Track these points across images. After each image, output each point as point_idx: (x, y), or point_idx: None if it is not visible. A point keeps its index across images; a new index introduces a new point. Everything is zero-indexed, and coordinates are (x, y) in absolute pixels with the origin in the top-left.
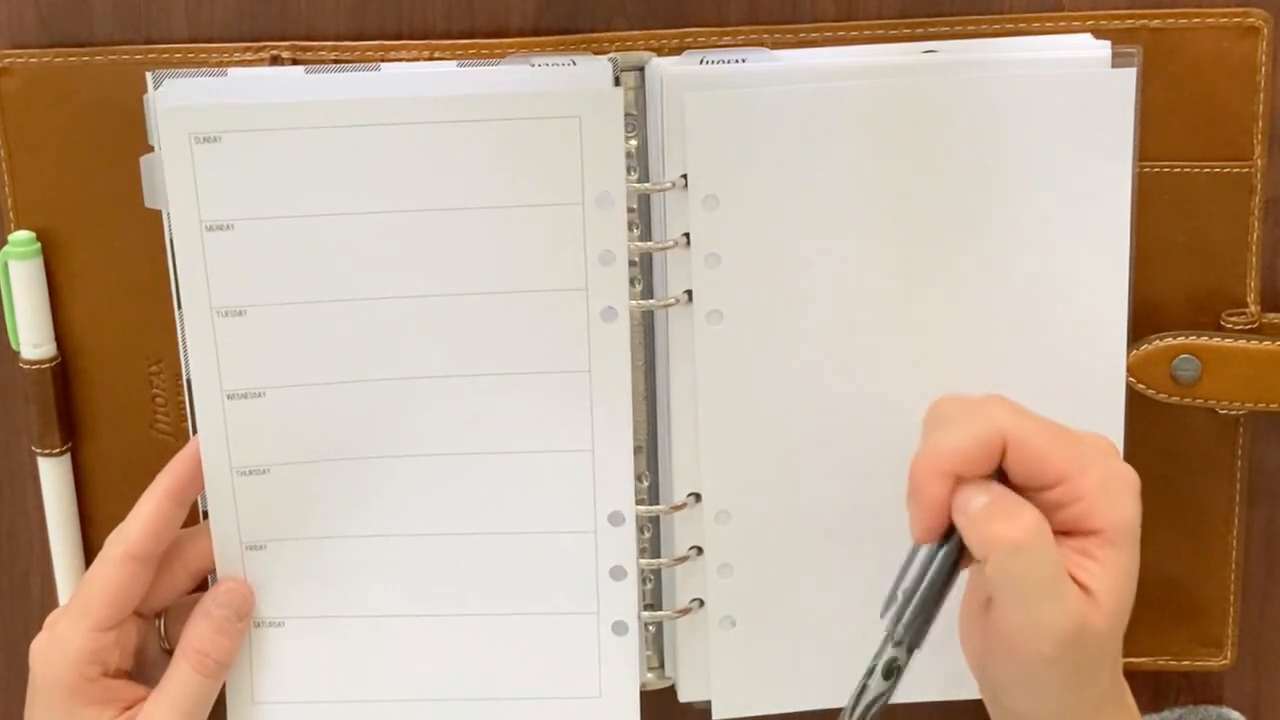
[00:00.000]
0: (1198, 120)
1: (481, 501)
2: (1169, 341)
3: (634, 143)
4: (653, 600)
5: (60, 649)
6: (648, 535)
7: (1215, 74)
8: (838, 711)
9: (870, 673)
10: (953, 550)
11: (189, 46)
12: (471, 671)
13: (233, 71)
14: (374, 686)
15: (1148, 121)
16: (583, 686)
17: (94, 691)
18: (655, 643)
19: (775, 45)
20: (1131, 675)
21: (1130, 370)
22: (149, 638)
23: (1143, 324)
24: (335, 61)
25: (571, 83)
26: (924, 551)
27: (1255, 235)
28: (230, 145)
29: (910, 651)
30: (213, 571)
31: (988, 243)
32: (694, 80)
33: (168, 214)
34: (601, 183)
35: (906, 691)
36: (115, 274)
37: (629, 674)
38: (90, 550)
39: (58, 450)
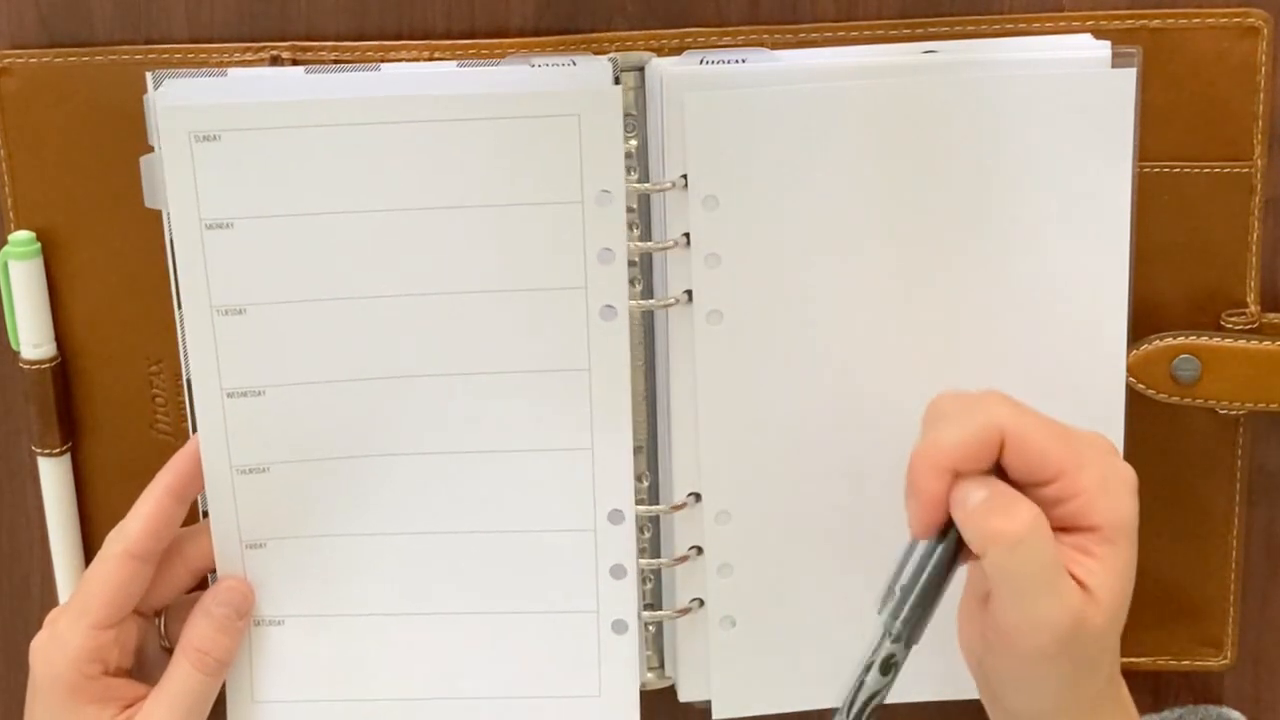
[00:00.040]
0: (1198, 120)
1: (481, 500)
2: (1169, 341)
3: (634, 143)
4: (653, 600)
5: (60, 647)
6: (648, 535)
7: (1215, 74)
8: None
9: (867, 668)
10: (950, 546)
11: (189, 46)
12: (471, 670)
13: (233, 71)
14: (373, 685)
15: (1148, 121)
16: (582, 685)
17: (94, 690)
18: (655, 642)
19: (775, 45)
20: (1131, 675)
21: (1130, 370)
22: (149, 636)
23: (1143, 324)
24: (335, 61)
25: (571, 83)
26: (921, 547)
27: (1255, 235)
28: (230, 144)
29: (908, 647)
30: (213, 570)
31: (987, 243)
32: (694, 80)
33: (167, 214)
34: (601, 181)
35: (905, 691)
36: (115, 274)
37: (629, 673)
38: (90, 550)
39: (58, 450)
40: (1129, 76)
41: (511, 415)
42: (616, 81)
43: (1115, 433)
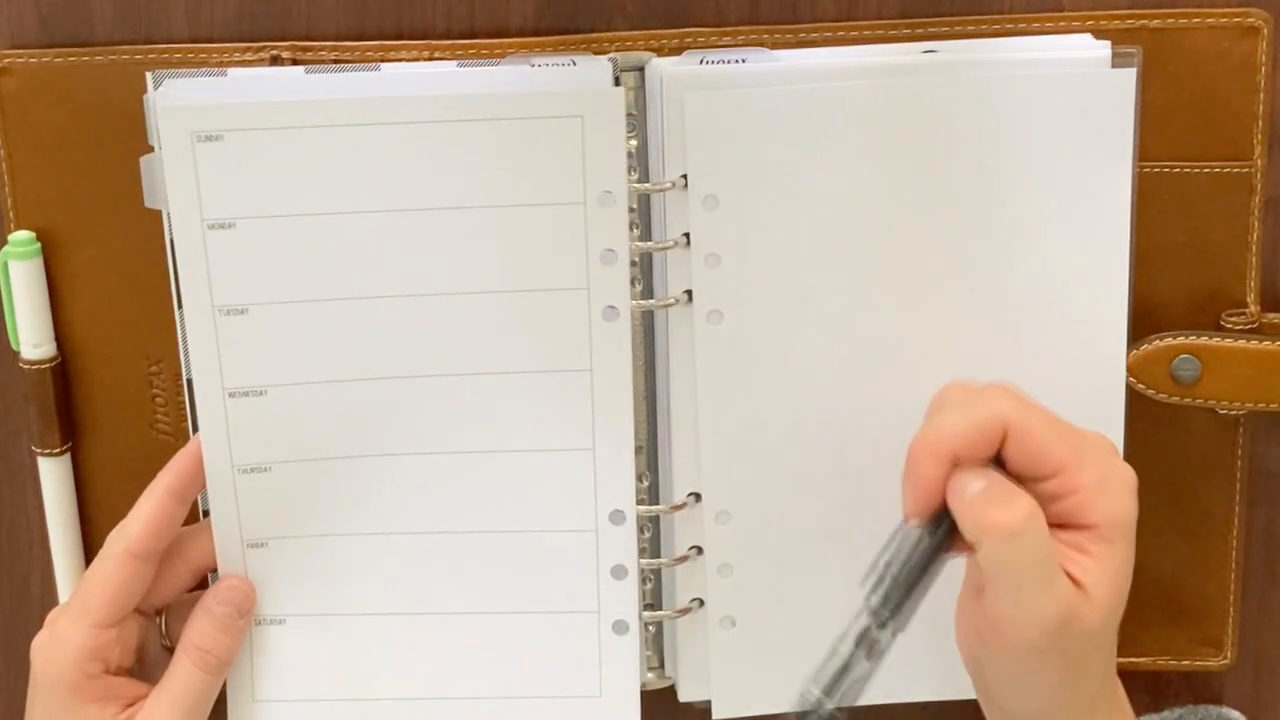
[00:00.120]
0: (1198, 120)
1: (483, 500)
2: (1169, 341)
3: (634, 143)
4: (653, 600)
5: (61, 646)
6: (648, 535)
7: (1215, 74)
8: (837, 712)
9: (844, 638)
10: (941, 533)
11: (189, 46)
12: (472, 670)
13: (233, 71)
14: (374, 684)
15: (1148, 121)
16: (583, 685)
17: (95, 689)
18: (655, 642)
19: (775, 45)
20: (1131, 675)
21: (1130, 370)
22: (150, 635)
23: (1143, 324)
24: (335, 61)
25: (571, 83)
26: (912, 531)
27: (1255, 235)
28: (233, 144)
29: (893, 633)
30: (213, 569)
31: (987, 243)
32: (694, 80)
33: (167, 214)
34: (603, 182)
35: (905, 691)
36: (115, 274)
37: (629, 673)
38: (90, 550)
39: (58, 450)
40: (1129, 76)
41: (513, 415)
42: (617, 82)
43: (1115, 433)
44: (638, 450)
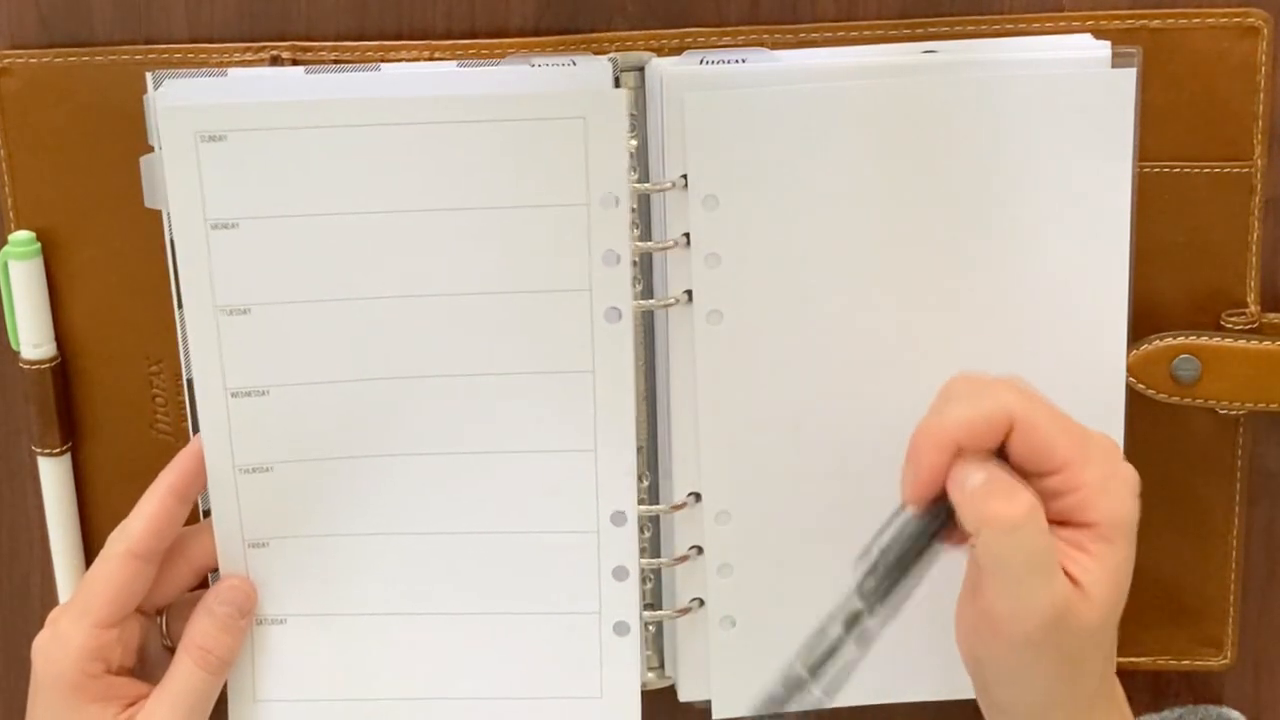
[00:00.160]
0: (1198, 120)
1: (484, 501)
2: (1169, 341)
3: (634, 143)
4: (653, 600)
5: (62, 646)
6: (648, 535)
7: (1215, 74)
8: (838, 711)
9: (832, 620)
10: (937, 520)
11: (189, 46)
12: (473, 670)
13: (233, 71)
14: (375, 685)
15: (1148, 121)
16: (584, 687)
17: (96, 688)
18: (655, 642)
19: (775, 45)
20: (1131, 675)
21: (1130, 370)
22: (151, 635)
23: (1143, 324)
24: (335, 61)
25: (572, 83)
26: (908, 516)
27: (1255, 235)
28: (235, 144)
29: (883, 621)
30: (215, 569)
31: (987, 243)
32: (694, 80)
33: (168, 213)
34: (606, 184)
35: (905, 691)
36: (115, 274)
37: (630, 674)
38: (90, 550)
39: (58, 450)
40: (1129, 76)
41: (515, 416)
42: (617, 83)
43: (1115, 433)
44: (638, 450)
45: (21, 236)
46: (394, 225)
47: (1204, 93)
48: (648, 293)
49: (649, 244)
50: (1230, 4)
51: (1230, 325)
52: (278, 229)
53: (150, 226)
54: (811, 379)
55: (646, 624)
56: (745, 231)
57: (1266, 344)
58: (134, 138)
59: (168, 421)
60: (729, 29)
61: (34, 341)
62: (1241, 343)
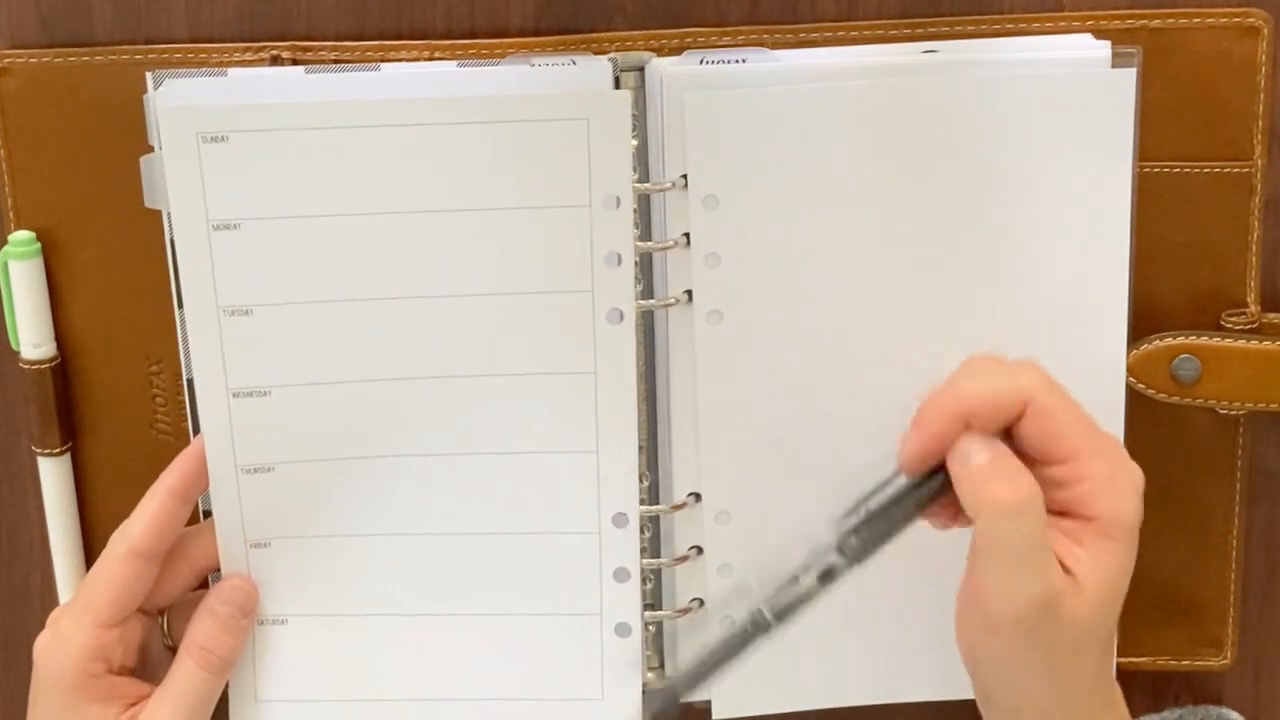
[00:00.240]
0: (1198, 120)
1: (486, 502)
2: (1169, 341)
3: (634, 143)
4: (653, 600)
5: (64, 646)
6: (648, 535)
7: (1215, 74)
8: (838, 712)
9: (806, 570)
10: (931, 490)
11: (189, 46)
12: (474, 671)
13: (233, 71)
14: (377, 685)
15: (1148, 121)
16: (585, 688)
17: (98, 688)
18: (655, 643)
19: (775, 45)
20: (1131, 675)
21: (1130, 370)
22: (152, 635)
23: (1143, 324)
24: (335, 61)
25: (572, 83)
26: (902, 483)
27: (1255, 235)
28: (237, 145)
29: (854, 570)
30: (216, 569)
31: (987, 243)
32: (694, 80)
33: (168, 214)
34: (608, 185)
35: (905, 691)
36: (115, 274)
37: (631, 675)
38: (90, 550)
39: (58, 450)
40: (1129, 76)
41: (516, 417)
42: (617, 83)
43: (1115, 433)
44: (638, 450)
45: (21, 236)
46: (396, 226)
47: (1204, 93)
48: (648, 293)
49: (649, 244)
50: (1230, 4)
51: (1230, 325)
52: (279, 230)
53: (150, 226)
54: (811, 379)
55: (646, 624)
56: (745, 231)
57: (1266, 344)
58: (134, 138)
59: (168, 421)
60: (729, 29)
61: (34, 341)
62: (1241, 343)
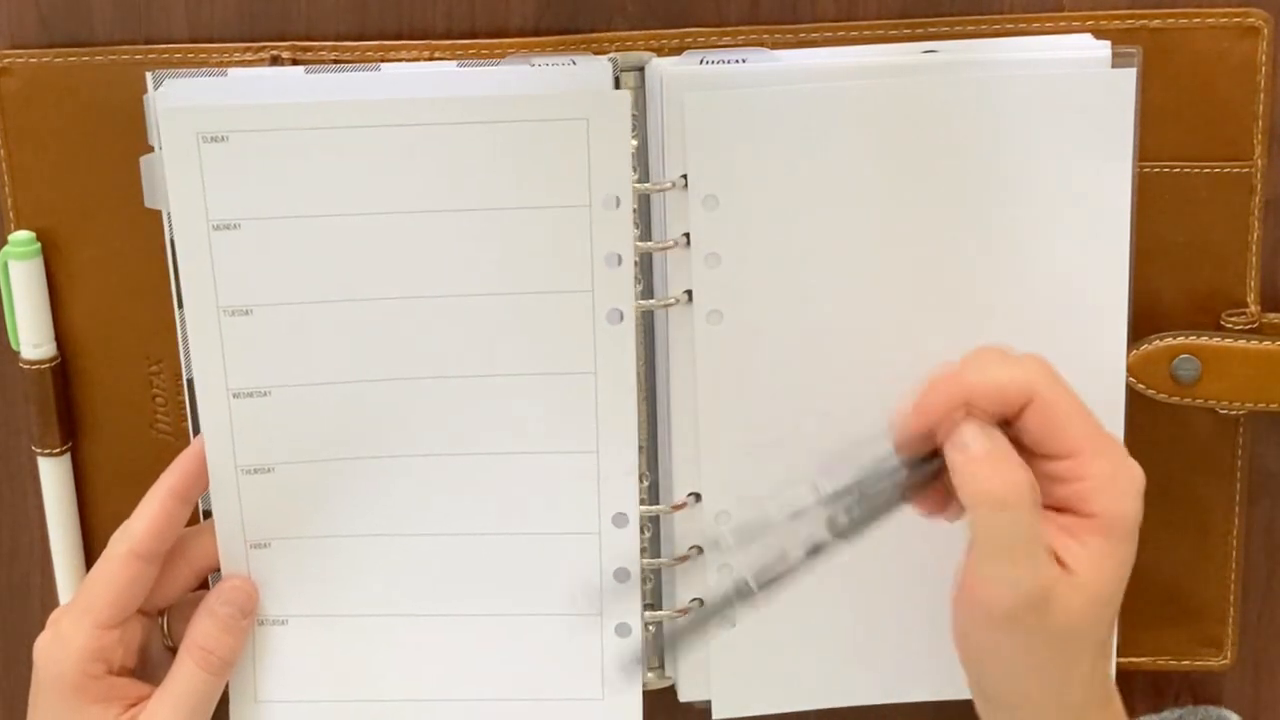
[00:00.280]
0: (1198, 120)
1: (486, 502)
2: (1169, 341)
3: (634, 143)
4: (653, 600)
5: (64, 646)
6: (648, 535)
7: (1215, 74)
8: (838, 712)
9: (795, 545)
10: (924, 474)
11: (189, 46)
12: (474, 672)
13: (233, 71)
14: (377, 686)
15: (1148, 121)
16: (585, 688)
17: (98, 689)
18: (655, 642)
19: (775, 45)
20: (1131, 675)
21: (1130, 370)
22: (153, 636)
23: (1143, 324)
24: (335, 61)
25: (572, 83)
26: (896, 465)
27: (1255, 235)
28: (237, 145)
29: (843, 546)
30: (216, 570)
31: (987, 243)
32: (694, 80)
33: (168, 214)
34: (608, 185)
35: (904, 691)
36: (115, 274)
37: (631, 676)
38: (90, 550)
39: (58, 450)
40: (1129, 76)
41: (517, 418)
42: (617, 83)
43: (1115, 433)
44: (638, 450)
45: (21, 236)
46: (396, 226)
47: (1204, 93)
48: (648, 293)
49: (649, 244)
50: (1230, 4)
51: (1230, 325)
52: (279, 230)
53: (150, 226)
54: (811, 379)
55: (647, 624)
56: (745, 231)
57: (1266, 344)
58: (134, 138)
59: (168, 421)
60: (729, 29)
61: (34, 341)
62: (1241, 343)
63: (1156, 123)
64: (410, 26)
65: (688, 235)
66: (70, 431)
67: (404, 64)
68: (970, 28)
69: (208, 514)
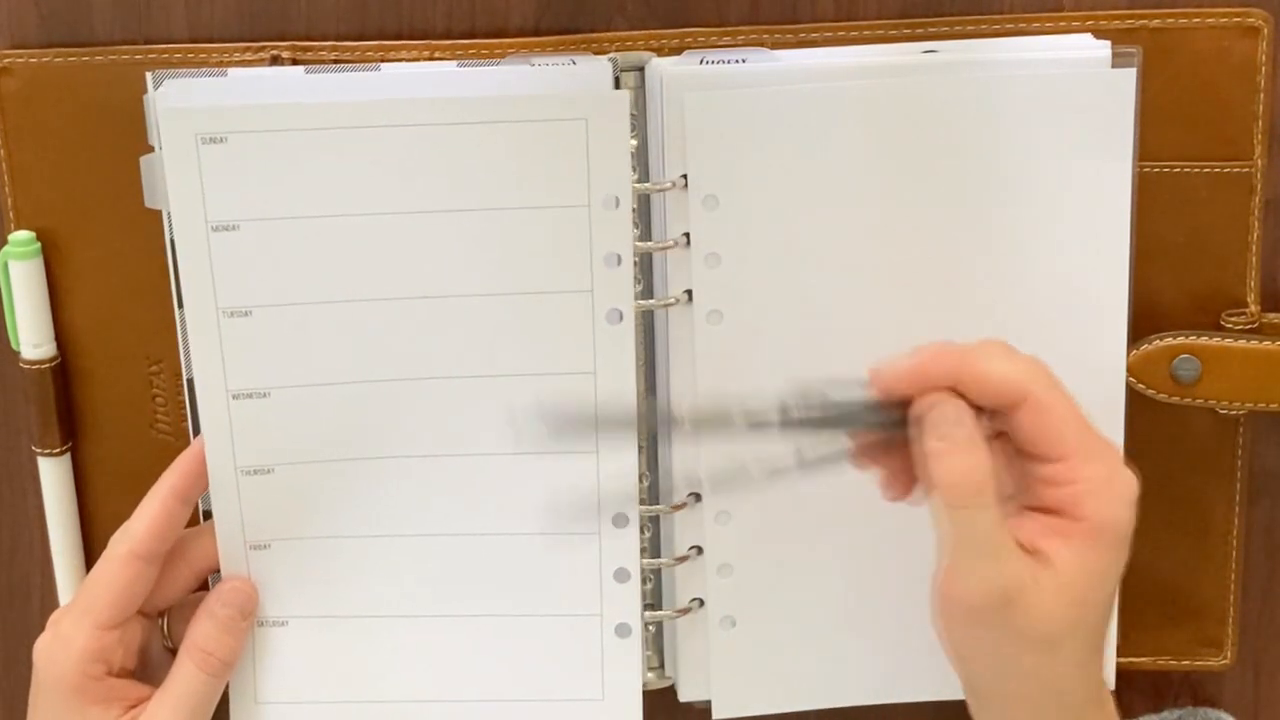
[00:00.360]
0: (1198, 120)
1: (485, 502)
2: (1169, 341)
3: (634, 143)
4: (653, 600)
5: (64, 647)
6: (648, 535)
7: (1215, 74)
8: (838, 712)
9: (757, 460)
10: (885, 419)
11: (189, 46)
12: (474, 673)
13: (233, 71)
14: (377, 687)
15: (1148, 121)
16: (585, 689)
17: (98, 690)
18: (655, 643)
19: (775, 45)
20: (1131, 675)
21: (1130, 370)
22: (152, 637)
23: (1143, 324)
24: (335, 61)
25: (572, 83)
26: (865, 397)
27: (1255, 235)
28: (236, 146)
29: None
30: (216, 571)
31: (988, 243)
32: (694, 80)
33: (168, 214)
34: (607, 185)
35: (903, 692)
36: (115, 274)
37: (631, 676)
38: (90, 550)
39: (58, 450)
40: (1129, 76)
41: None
42: (617, 83)
43: (1115, 433)
44: (638, 450)
45: (21, 236)
46: (395, 227)
47: (1204, 93)
48: (648, 293)
49: (649, 244)
50: (1230, 4)
51: (1230, 325)
52: (279, 231)
53: (150, 226)
54: (811, 379)
55: (646, 624)
56: (745, 231)
57: (1266, 344)
58: (134, 138)
59: (168, 421)
60: (729, 29)
61: (34, 341)
62: (1241, 343)
63: (1156, 123)
64: (410, 26)
65: (688, 235)
66: (70, 431)
67: (404, 64)
68: (970, 28)
69: (208, 515)
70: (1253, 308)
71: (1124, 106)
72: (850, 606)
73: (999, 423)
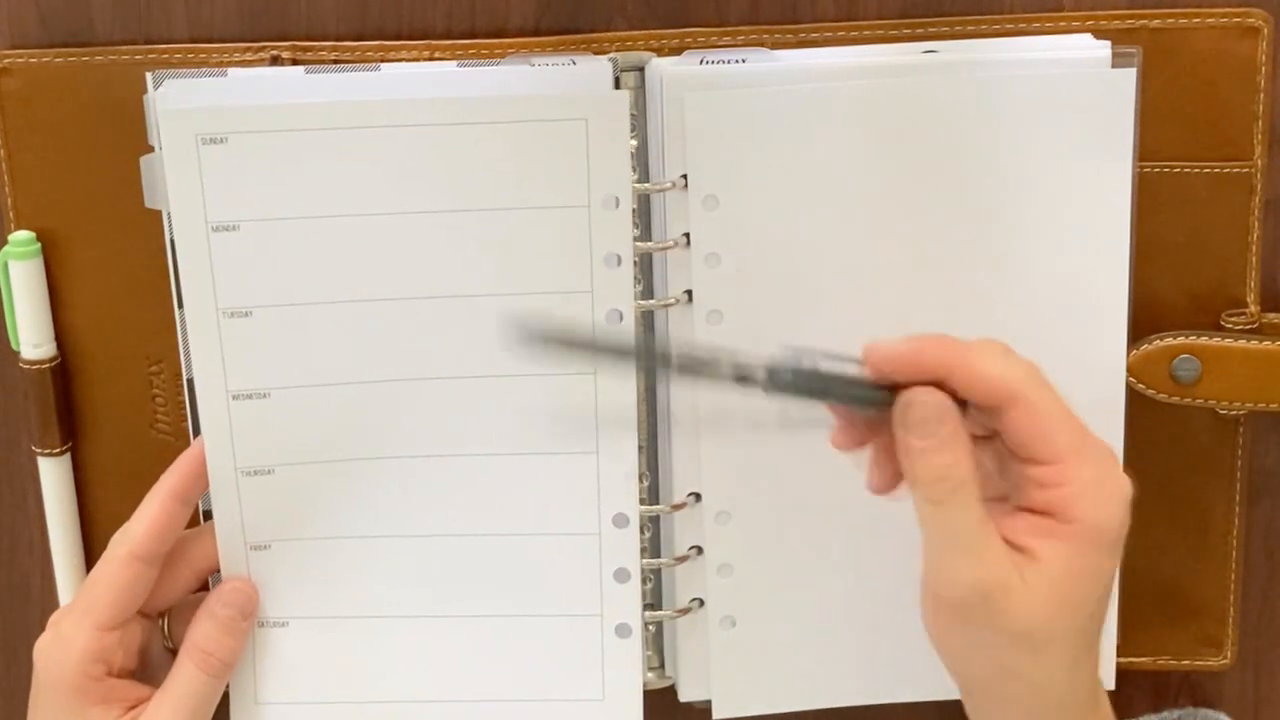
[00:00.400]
0: (1198, 120)
1: (486, 503)
2: (1169, 341)
3: (634, 143)
4: (653, 600)
5: (64, 648)
6: (648, 535)
7: (1215, 74)
8: (837, 712)
9: (730, 363)
10: (872, 396)
11: (189, 46)
12: (474, 673)
13: (233, 72)
14: (378, 687)
15: (1148, 121)
16: (586, 689)
17: (98, 691)
18: (655, 643)
19: (775, 45)
20: (1131, 675)
21: (1130, 370)
22: (153, 638)
23: (1143, 324)
24: (335, 62)
25: (572, 83)
26: (856, 370)
27: (1255, 235)
28: (236, 146)
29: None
30: (216, 571)
31: (987, 243)
32: (694, 80)
33: (168, 214)
34: (607, 185)
35: (901, 692)
36: (115, 274)
37: (632, 676)
38: (90, 550)
39: (58, 450)
40: (1129, 76)
41: (517, 419)
42: (617, 83)
43: (1115, 433)
44: (638, 450)
45: (21, 236)
46: (395, 227)
47: (1204, 93)
48: (648, 293)
49: (649, 244)
50: (1230, 4)
51: (1230, 325)
52: (279, 231)
53: (150, 226)
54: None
55: (646, 624)
56: (745, 231)
57: (1266, 344)
58: (134, 138)
59: (168, 421)
60: (729, 29)
61: (34, 341)
62: (1241, 343)
63: (1156, 123)
64: (410, 26)
65: (688, 235)
66: (70, 431)
67: (404, 64)
68: (970, 28)
69: (208, 515)
70: (1253, 308)
71: (1124, 106)
72: (850, 606)
73: (992, 423)
